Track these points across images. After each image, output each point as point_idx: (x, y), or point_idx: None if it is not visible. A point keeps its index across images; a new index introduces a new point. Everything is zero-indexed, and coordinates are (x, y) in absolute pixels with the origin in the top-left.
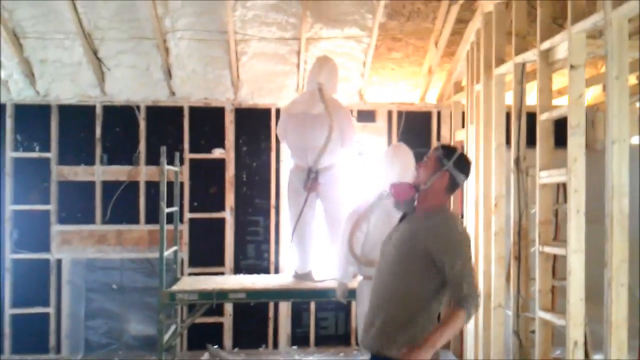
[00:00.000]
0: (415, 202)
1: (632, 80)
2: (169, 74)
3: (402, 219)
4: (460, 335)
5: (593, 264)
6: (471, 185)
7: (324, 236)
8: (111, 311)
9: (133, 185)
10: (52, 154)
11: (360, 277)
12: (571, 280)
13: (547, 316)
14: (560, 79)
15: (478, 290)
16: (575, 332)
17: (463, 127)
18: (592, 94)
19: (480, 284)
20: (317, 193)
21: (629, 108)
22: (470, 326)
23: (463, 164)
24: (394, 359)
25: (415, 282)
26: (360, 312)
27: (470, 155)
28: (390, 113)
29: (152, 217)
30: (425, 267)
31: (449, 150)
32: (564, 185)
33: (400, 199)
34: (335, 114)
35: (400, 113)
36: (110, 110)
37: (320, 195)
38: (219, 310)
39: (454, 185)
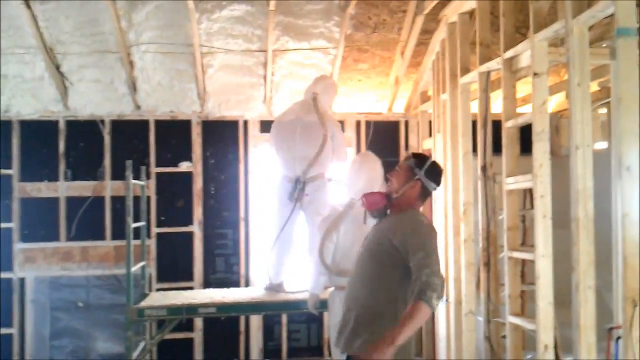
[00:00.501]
0: (388, 211)
1: (594, 87)
2: (133, 87)
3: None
4: (433, 342)
5: (560, 268)
6: (439, 193)
7: (303, 247)
8: (77, 330)
9: (98, 201)
10: (14, 171)
11: (331, 288)
12: (540, 285)
13: (518, 321)
14: (524, 87)
15: (441, 280)
16: (546, 335)
17: (430, 136)
18: (556, 101)
19: (451, 291)
20: (301, 204)
21: (591, 114)
22: (442, 332)
23: (434, 173)
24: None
25: (382, 276)
26: (332, 322)
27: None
28: (358, 123)
29: (119, 232)
30: (391, 260)
31: (420, 159)
32: (531, 191)
33: (372, 209)
34: (328, 125)
35: (368, 123)
36: (74, 125)
37: (304, 206)
38: (188, 326)
39: (425, 193)
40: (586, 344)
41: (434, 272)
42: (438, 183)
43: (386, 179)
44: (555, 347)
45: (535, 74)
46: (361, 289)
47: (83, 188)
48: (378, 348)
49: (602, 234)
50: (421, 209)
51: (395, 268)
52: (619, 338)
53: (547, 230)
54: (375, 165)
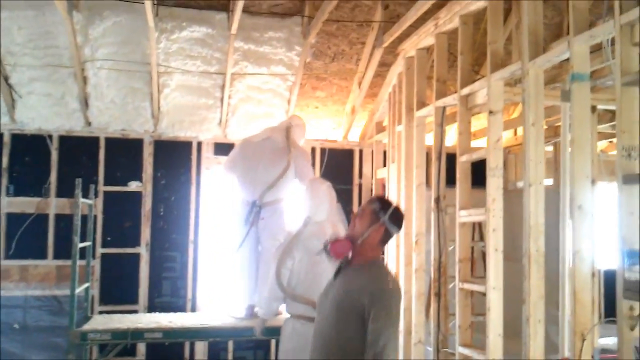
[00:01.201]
0: (350, 254)
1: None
2: (85, 103)
3: (337, 271)
4: None
5: (508, 300)
6: None
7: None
8: (12, 353)
9: (41, 218)
10: None
11: (285, 315)
12: (490, 317)
13: (467, 352)
14: (476, 122)
15: (391, 348)
16: None
17: (384, 165)
18: (505, 137)
19: (401, 320)
20: (256, 227)
21: (544, 153)
22: None
23: (397, 217)
24: None
25: (350, 334)
26: (284, 350)
27: (392, 193)
28: (313, 150)
29: (62, 251)
30: (358, 319)
31: (384, 204)
32: (479, 223)
33: (339, 257)
34: (295, 152)
35: (323, 150)
36: (20, 139)
37: (259, 230)
38: (132, 351)
39: (387, 237)
40: None
41: (390, 346)
42: (400, 227)
43: (350, 223)
44: None
45: (490, 112)
46: (328, 345)
47: (26, 204)
48: None
49: (547, 269)
50: (381, 252)
51: (361, 328)
52: None
53: (498, 263)
54: (321, 187)
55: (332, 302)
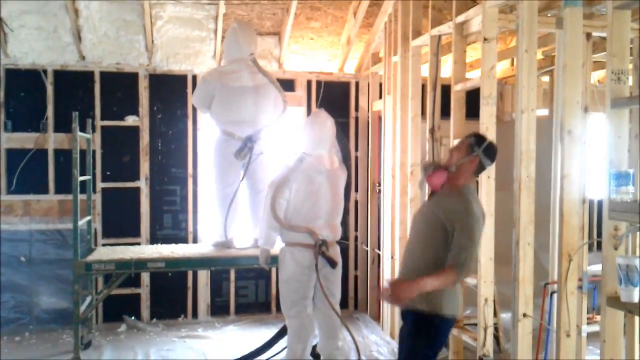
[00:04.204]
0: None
1: (539, 55)
2: (78, 37)
3: (430, 194)
4: (377, 299)
5: (499, 229)
6: (388, 154)
7: (246, 205)
8: (20, 285)
9: (41, 153)
10: None
11: (282, 244)
12: (482, 242)
13: None
14: (472, 53)
15: (470, 264)
16: (486, 289)
17: (380, 97)
18: (501, 68)
19: (397, 247)
20: (249, 162)
21: (537, 80)
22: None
23: (491, 151)
24: (419, 310)
25: (430, 242)
26: (282, 277)
27: (387, 125)
28: (309, 82)
29: (62, 186)
30: (444, 233)
31: (480, 139)
32: None
33: (436, 187)
34: (278, 86)
35: (319, 83)
36: (14, 74)
37: (254, 164)
38: (135, 281)
39: (480, 169)
40: (524, 297)
41: (470, 256)
42: (492, 160)
43: (449, 153)
44: (494, 301)
45: (485, 39)
46: (414, 250)
47: (25, 140)
48: (406, 285)
49: (538, 198)
50: (475, 182)
51: (442, 238)
52: (553, 293)
53: (490, 191)
54: (326, 122)
55: (423, 219)
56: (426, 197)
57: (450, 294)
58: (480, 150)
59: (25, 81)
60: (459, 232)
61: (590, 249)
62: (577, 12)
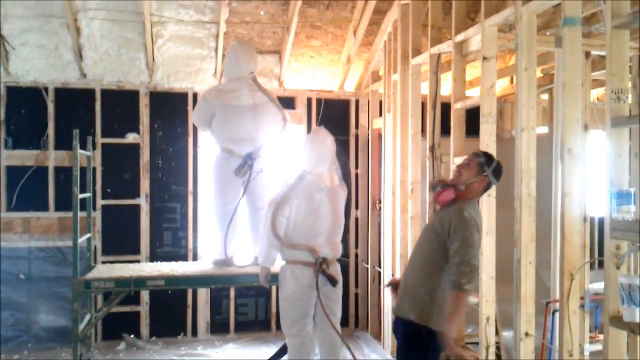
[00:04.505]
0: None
1: (538, 73)
2: (79, 55)
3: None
4: (378, 316)
5: (500, 247)
6: (388, 172)
7: (246, 222)
8: (18, 302)
9: (41, 171)
10: None
11: (282, 261)
12: (483, 260)
13: None
14: (471, 71)
15: (469, 267)
16: (487, 308)
17: (380, 115)
18: (500, 86)
19: (397, 265)
20: (249, 179)
21: (536, 99)
22: (387, 306)
23: (499, 171)
24: (411, 320)
25: (434, 255)
26: (282, 295)
27: (387, 142)
28: (309, 100)
29: (62, 203)
30: (440, 248)
31: (489, 158)
32: None
33: (443, 204)
34: (278, 104)
35: (319, 100)
36: (16, 92)
37: (254, 182)
38: (135, 299)
39: (487, 188)
40: (526, 315)
41: (464, 261)
42: (498, 180)
43: (456, 170)
44: (495, 320)
45: (484, 58)
46: (414, 265)
47: (25, 157)
48: (444, 340)
49: (539, 215)
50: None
51: (439, 252)
52: (555, 311)
53: (491, 209)
54: (326, 140)
55: (425, 235)
56: (427, 214)
57: (442, 309)
58: (490, 170)
59: (26, 99)
60: (452, 241)
61: (591, 266)
62: (576, 31)
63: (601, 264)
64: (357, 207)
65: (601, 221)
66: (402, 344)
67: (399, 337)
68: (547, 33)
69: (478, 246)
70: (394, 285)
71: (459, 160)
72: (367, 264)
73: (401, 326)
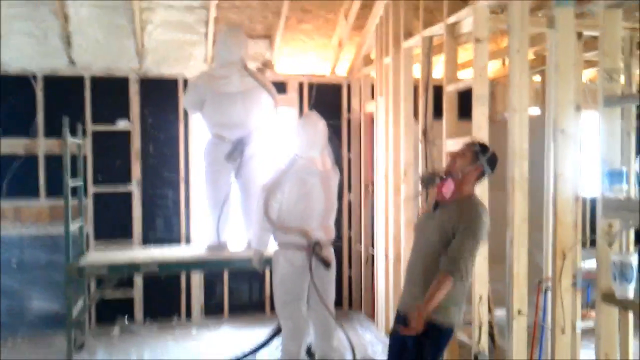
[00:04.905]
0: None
1: (530, 55)
2: (68, 42)
3: (435, 205)
4: (372, 297)
5: (493, 228)
6: (381, 155)
7: (238, 207)
8: (12, 290)
9: (31, 159)
10: None
11: (275, 245)
12: None
13: None
14: (463, 54)
15: (464, 264)
16: (481, 288)
17: (373, 99)
18: (492, 68)
19: (390, 247)
20: (240, 164)
21: (528, 80)
22: (381, 288)
23: (493, 161)
24: (434, 322)
25: (438, 255)
26: (276, 278)
27: (380, 126)
28: (301, 84)
29: (53, 191)
30: (446, 243)
31: (484, 148)
32: None
33: (445, 196)
34: (270, 90)
35: (311, 85)
36: (4, 80)
37: (245, 167)
38: (129, 284)
39: (481, 177)
40: (518, 294)
41: (468, 254)
42: (493, 170)
43: (450, 159)
44: (488, 300)
45: (477, 40)
46: (416, 264)
47: (14, 145)
48: (415, 314)
49: (531, 196)
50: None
51: (447, 244)
52: (547, 290)
53: (483, 190)
54: (318, 124)
55: (432, 230)
56: (420, 206)
57: (449, 303)
58: (485, 159)
59: (14, 87)
60: (462, 233)
61: (583, 245)
62: (569, 12)
63: (592, 242)
64: (349, 190)
65: (593, 201)
66: (409, 340)
67: (423, 340)
68: (540, 14)
69: (478, 246)
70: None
71: (451, 142)
72: (361, 246)
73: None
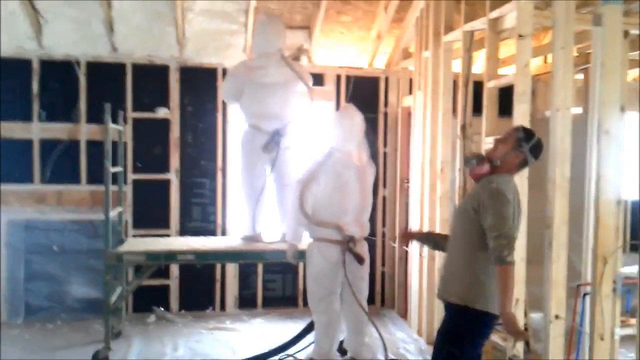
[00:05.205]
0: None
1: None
2: (111, 28)
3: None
4: (405, 296)
5: (530, 228)
6: (417, 151)
7: (273, 199)
8: (52, 274)
9: (73, 144)
10: None
11: (310, 239)
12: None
13: None
14: (504, 49)
15: (506, 239)
16: (517, 290)
17: (410, 93)
18: (533, 64)
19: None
20: (276, 156)
21: (572, 78)
22: (414, 287)
23: (538, 149)
24: (453, 303)
25: (468, 238)
26: (310, 272)
27: (417, 121)
28: (338, 77)
29: (94, 177)
30: (474, 226)
31: (528, 134)
32: None
33: (476, 178)
34: (307, 81)
35: (348, 77)
36: (48, 65)
37: (281, 159)
38: (165, 273)
39: (524, 165)
40: (557, 299)
41: (501, 234)
42: (537, 158)
43: (493, 144)
44: (524, 302)
45: (519, 36)
46: (453, 246)
47: (58, 130)
48: (504, 320)
49: (571, 197)
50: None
51: (474, 231)
52: (586, 294)
53: (523, 190)
54: (355, 118)
55: (458, 214)
56: (456, 194)
57: (485, 288)
58: (529, 146)
59: (58, 72)
60: (484, 216)
61: (622, 250)
62: (617, 9)
63: (632, 247)
64: (384, 186)
65: (635, 204)
66: (446, 321)
67: (445, 320)
68: (584, 11)
69: (513, 218)
70: (405, 236)
71: (490, 140)
72: (395, 243)
73: (446, 310)
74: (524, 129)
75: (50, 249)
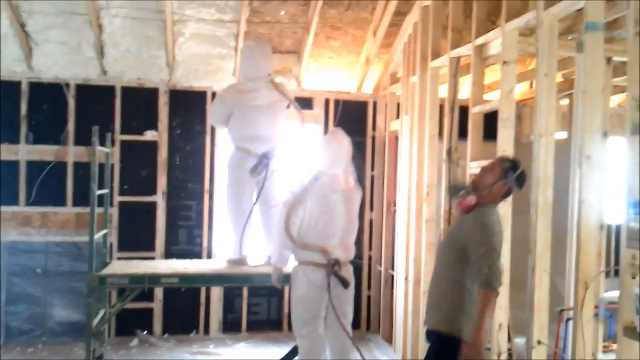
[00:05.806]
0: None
1: (558, 78)
2: (101, 52)
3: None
4: (390, 319)
5: (514, 253)
6: (404, 174)
7: (259, 221)
8: (34, 296)
9: (60, 166)
10: None
11: (295, 262)
12: None
13: None
14: (489, 74)
15: (498, 271)
16: (501, 315)
17: (398, 117)
18: (519, 90)
19: (411, 269)
20: (264, 178)
21: (556, 104)
22: (400, 310)
23: (522, 179)
24: (438, 331)
25: (453, 267)
26: (294, 296)
27: (404, 145)
28: (327, 101)
29: (80, 199)
30: (461, 255)
31: (514, 164)
32: None
33: (466, 211)
34: (296, 105)
35: (337, 101)
36: (38, 87)
37: (268, 182)
38: (149, 296)
39: (508, 194)
40: (539, 324)
41: (493, 265)
42: (520, 188)
43: (479, 173)
44: (508, 327)
45: (504, 62)
46: (437, 275)
47: (45, 152)
48: (470, 349)
49: (554, 221)
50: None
51: (460, 260)
52: (568, 320)
53: (506, 215)
54: (343, 141)
55: (445, 242)
56: (442, 218)
57: (470, 318)
58: (514, 176)
59: (47, 94)
60: (475, 247)
61: (607, 274)
62: (598, 37)
63: (617, 272)
64: (372, 209)
65: (618, 228)
66: (431, 351)
67: (430, 350)
68: (569, 38)
69: (500, 250)
70: None
71: (475, 164)
72: (380, 266)
73: (431, 338)
74: (510, 159)
75: (33, 271)
